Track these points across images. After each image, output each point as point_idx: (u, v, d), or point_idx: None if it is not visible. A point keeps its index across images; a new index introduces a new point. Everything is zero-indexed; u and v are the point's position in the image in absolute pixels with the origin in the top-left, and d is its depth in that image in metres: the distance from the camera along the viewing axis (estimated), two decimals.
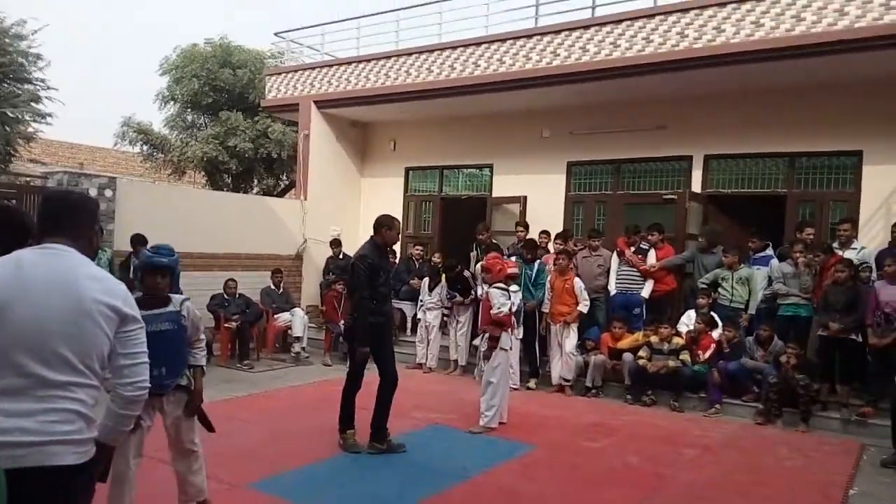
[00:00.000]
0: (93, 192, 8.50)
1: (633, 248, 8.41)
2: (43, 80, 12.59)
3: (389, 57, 11.04)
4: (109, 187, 8.74)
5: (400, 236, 6.03)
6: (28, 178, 9.86)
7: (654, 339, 7.58)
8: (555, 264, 8.17)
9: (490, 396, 6.17)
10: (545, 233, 9.24)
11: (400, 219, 12.11)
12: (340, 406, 5.54)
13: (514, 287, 6.79)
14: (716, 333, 7.64)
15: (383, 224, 5.48)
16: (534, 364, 8.27)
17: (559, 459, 5.53)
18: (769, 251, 8.12)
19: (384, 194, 12.45)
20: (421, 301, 9.32)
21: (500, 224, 10.84)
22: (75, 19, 51.23)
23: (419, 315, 9.34)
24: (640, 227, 8.60)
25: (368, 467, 5.12)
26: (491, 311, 6.17)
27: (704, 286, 7.94)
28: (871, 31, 7.14)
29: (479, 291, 8.19)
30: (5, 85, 12.09)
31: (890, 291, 6.55)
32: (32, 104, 12.36)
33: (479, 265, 7.45)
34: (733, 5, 8.02)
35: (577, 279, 7.99)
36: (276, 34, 13.09)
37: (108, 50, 50.48)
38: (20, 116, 12.15)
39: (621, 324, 8.01)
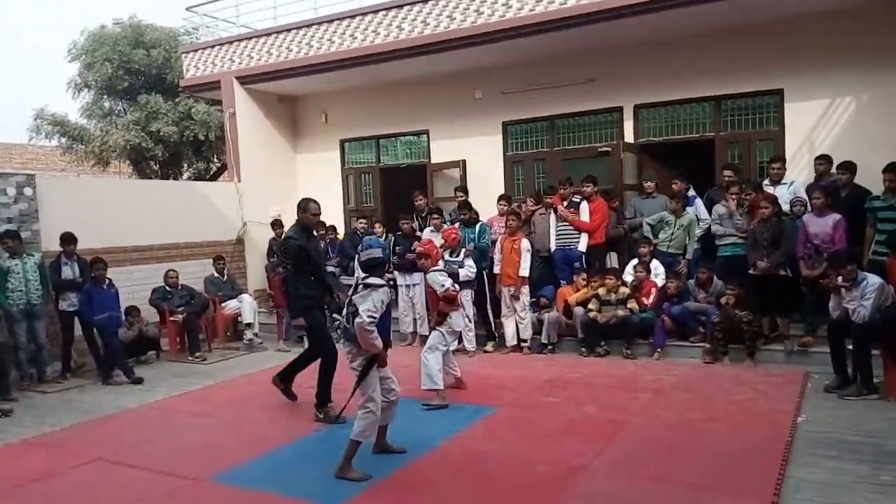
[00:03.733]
0: (11, 192, 8.04)
1: (565, 203, 8.45)
2: None
3: (310, 25, 10.69)
4: (28, 185, 8.24)
5: (319, 216, 6.29)
6: None
7: (601, 290, 7.75)
8: (506, 226, 8.17)
9: (430, 364, 6.11)
10: (504, 198, 8.98)
11: (340, 192, 12.05)
12: (320, 382, 5.89)
13: (462, 255, 6.88)
14: (659, 280, 7.88)
15: (299, 207, 6.09)
16: (488, 326, 8.35)
17: (520, 418, 5.65)
18: (691, 192, 8.39)
19: (320, 169, 12.21)
20: (357, 277, 9.13)
21: (442, 190, 10.81)
22: None
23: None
24: (571, 178, 8.63)
25: (333, 447, 5.08)
26: (438, 293, 6.14)
27: (650, 226, 8.13)
28: None
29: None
30: None
31: (818, 224, 6.86)
32: None
33: (416, 250, 6.89)
34: None
35: (524, 240, 8.02)
36: (187, 9, 12.46)
37: (11, 40, 47.24)
38: None
39: (585, 277, 8.04)
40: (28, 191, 8.21)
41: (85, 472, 4.89)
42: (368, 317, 4.31)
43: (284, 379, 6.31)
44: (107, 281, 8.03)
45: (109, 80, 15.33)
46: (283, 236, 6.19)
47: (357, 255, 7.24)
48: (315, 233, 6.36)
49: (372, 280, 4.51)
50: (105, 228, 8.97)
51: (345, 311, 4.57)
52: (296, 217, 6.10)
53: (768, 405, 5.61)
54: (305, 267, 5.90)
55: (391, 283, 9.10)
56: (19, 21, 46.23)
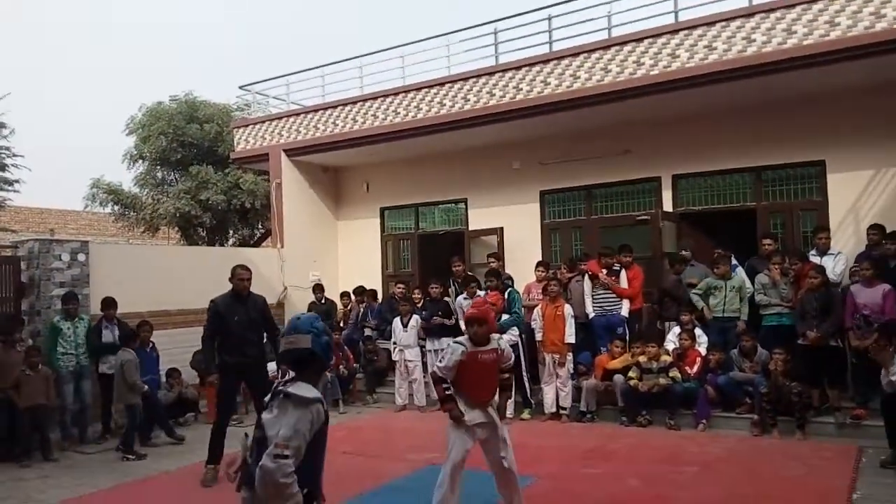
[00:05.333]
0: (65, 258, 8.38)
1: (605, 271, 8.46)
2: (8, 148, 12.52)
3: (355, 102, 11.16)
4: (82, 251, 8.60)
5: (245, 282, 6.32)
6: None
7: (642, 358, 7.61)
8: (544, 292, 8.19)
9: None
10: (542, 265, 9.08)
11: (378, 258, 12.25)
12: (209, 440, 6.11)
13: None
14: (702, 348, 7.72)
15: (230, 274, 6.30)
16: (524, 393, 8.22)
17: (560, 490, 5.49)
18: (732, 261, 8.28)
19: (361, 236, 12.48)
20: (394, 343, 9.25)
21: (479, 257, 10.88)
22: (35, 81, 51.01)
23: (395, 356, 9.23)
24: (612, 248, 8.66)
25: None
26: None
27: (698, 295, 7.99)
28: (819, 47, 7.43)
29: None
30: None
31: (867, 294, 6.73)
32: None
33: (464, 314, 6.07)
34: (685, 31, 8.30)
35: (567, 306, 8.02)
36: (241, 87, 13.18)
37: (73, 111, 50.24)
38: None
39: (621, 343, 7.99)
40: (81, 257, 8.55)
41: None
42: (282, 455, 2.56)
43: (214, 460, 6.02)
44: (150, 344, 8.21)
45: (164, 152, 16.10)
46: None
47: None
48: (244, 297, 6.31)
49: (295, 389, 2.70)
50: (152, 292, 9.23)
51: (248, 439, 2.84)
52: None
53: (821, 481, 5.36)
54: (222, 331, 6.14)
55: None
56: (77, 93, 49.19)
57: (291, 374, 2.82)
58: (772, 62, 7.70)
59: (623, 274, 8.40)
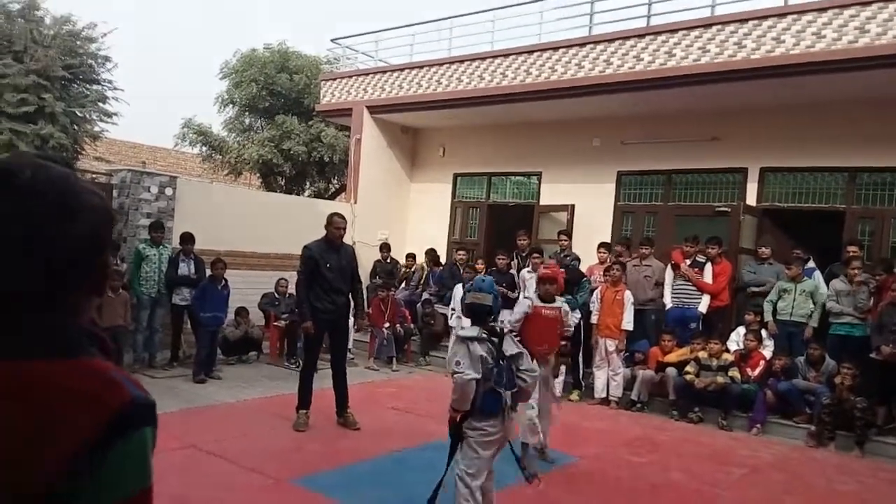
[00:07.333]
0: (154, 190, 8.84)
1: (688, 262, 8.23)
2: (110, 81, 13.20)
3: (442, 64, 11.14)
4: (170, 186, 9.05)
5: (342, 231, 6.30)
6: (94, 175, 10.30)
7: (702, 354, 7.43)
8: (606, 274, 8.07)
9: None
10: (604, 246, 8.99)
11: (447, 224, 12.34)
12: (298, 386, 6.25)
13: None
14: (766, 351, 7.47)
15: (326, 220, 6.28)
16: (576, 375, 8.19)
17: (602, 472, 5.49)
18: (811, 264, 7.94)
19: (432, 200, 12.56)
20: (452, 309, 9.28)
21: (548, 233, 10.79)
22: (137, 22, 53.21)
23: (452, 322, 9.28)
24: (699, 237, 8.38)
25: (409, 470, 5.16)
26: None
27: (771, 302, 7.70)
28: None
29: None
30: (75, 86, 12.71)
31: None
32: (99, 104, 12.95)
33: (537, 274, 6.28)
34: (794, 16, 7.84)
35: (626, 292, 7.88)
36: (332, 41, 13.42)
37: (170, 52, 52.23)
38: (87, 116, 12.73)
39: (671, 337, 7.86)
40: (168, 191, 8.99)
41: (178, 456, 5.20)
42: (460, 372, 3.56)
43: (306, 405, 6.26)
44: (223, 281, 8.58)
45: (253, 98, 16.58)
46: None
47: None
48: (340, 246, 6.27)
49: (462, 332, 3.74)
50: (231, 232, 9.63)
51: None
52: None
53: (874, 501, 5.16)
54: (315, 277, 6.08)
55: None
56: (177, 35, 51.06)
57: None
58: (884, 56, 7.18)
59: (708, 267, 8.10)
